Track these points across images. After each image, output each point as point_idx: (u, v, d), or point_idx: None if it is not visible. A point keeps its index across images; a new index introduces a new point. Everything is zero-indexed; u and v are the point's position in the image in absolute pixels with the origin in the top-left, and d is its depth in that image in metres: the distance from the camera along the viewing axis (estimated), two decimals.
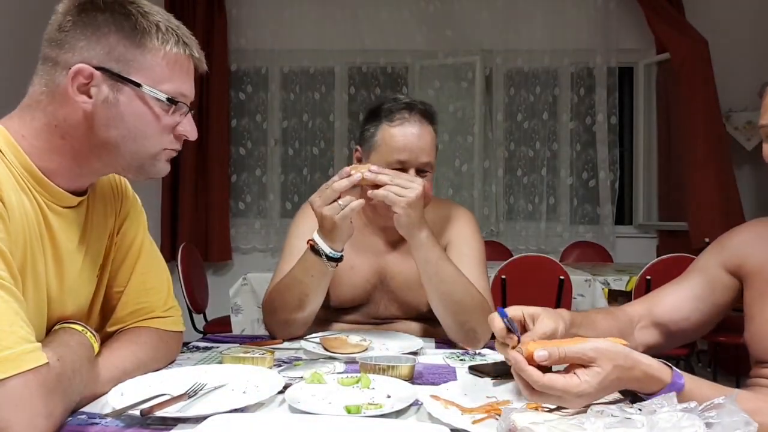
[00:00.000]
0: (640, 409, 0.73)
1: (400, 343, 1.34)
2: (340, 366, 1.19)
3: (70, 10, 0.90)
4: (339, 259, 1.31)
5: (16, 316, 0.79)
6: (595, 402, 0.80)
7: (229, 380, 1.03)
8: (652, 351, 1.17)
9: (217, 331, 2.55)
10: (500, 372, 1.10)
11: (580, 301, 2.91)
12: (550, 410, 0.84)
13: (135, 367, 1.04)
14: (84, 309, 1.05)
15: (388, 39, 4.46)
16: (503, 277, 2.85)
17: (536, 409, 0.86)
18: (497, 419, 0.84)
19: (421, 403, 0.94)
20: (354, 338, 1.32)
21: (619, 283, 2.96)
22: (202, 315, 3.49)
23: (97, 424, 0.87)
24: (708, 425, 0.70)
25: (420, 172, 1.40)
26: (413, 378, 1.10)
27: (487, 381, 1.08)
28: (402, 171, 1.37)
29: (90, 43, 0.89)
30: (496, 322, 0.95)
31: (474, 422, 0.87)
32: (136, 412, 0.85)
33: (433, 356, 1.30)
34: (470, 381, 1.09)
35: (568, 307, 2.79)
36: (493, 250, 3.73)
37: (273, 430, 0.82)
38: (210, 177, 4.39)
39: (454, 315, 1.37)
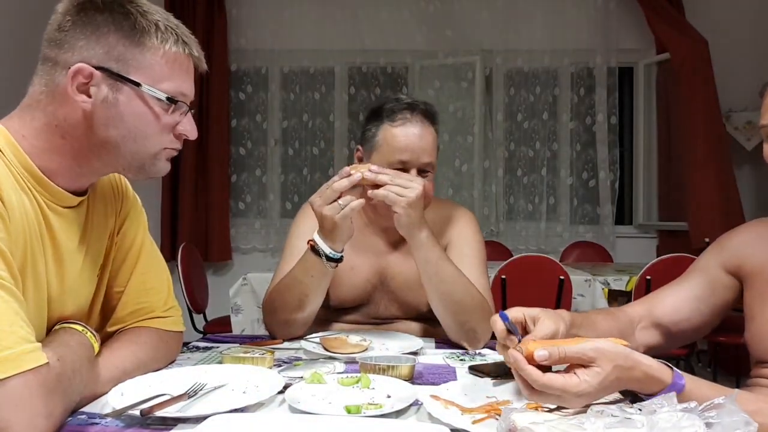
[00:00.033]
0: (640, 409, 0.73)
1: (400, 343, 1.34)
2: (340, 366, 1.19)
3: (69, 10, 0.90)
4: (339, 260, 1.31)
5: (16, 316, 0.79)
6: (595, 402, 0.80)
7: (229, 380, 1.03)
8: (652, 351, 1.17)
9: (217, 331, 2.54)
10: (500, 372, 1.10)
11: (580, 301, 2.91)
12: (550, 410, 0.84)
13: (135, 367, 1.04)
14: (84, 309, 1.05)
15: (388, 39, 4.46)
16: (503, 277, 2.85)
17: (536, 409, 0.86)
18: (497, 419, 0.84)
19: (421, 403, 0.94)
20: (354, 338, 1.32)
21: (619, 283, 2.96)
22: (202, 315, 3.49)
23: (97, 424, 0.87)
24: (708, 425, 0.70)
25: (421, 172, 1.40)
26: (413, 378, 1.10)
27: (487, 381, 1.08)
28: (403, 171, 1.37)
29: (89, 42, 0.89)
30: (498, 324, 0.95)
31: (474, 422, 0.87)
32: (136, 412, 0.85)
33: (433, 356, 1.30)
34: (470, 381, 1.09)
35: (568, 308, 2.79)
36: (493, 250, 3.73)
37: (273, 430, 0.82)
38: (210, 177, 4.39)
39: (454, 315, 1.37)
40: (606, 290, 2.91)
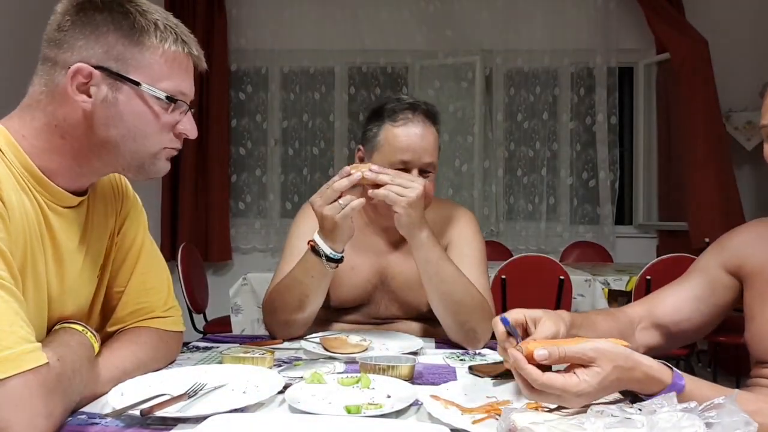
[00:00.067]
0: (640, 409, 0.73)
1: (400, 343, 1.34)
2: (340, 366, 1.19)
3: (68, 10, 0.90)
4: (339, 261, 1.31)
5: (16, 316, 0.79)
6: (595, 402, 0.80)
7: (229, 380, 1.03)
8: (653, 352, 1.17)
9: (217, 331, 2.55)
10: (500, 372, 1.09)
11: (580, 301, 2.91)
12: (550, 410, 0.84)
13: (135, 367, 1.04)
14: (84, 309, 1.05)
15: (388, 39, 4.46)
16: (503, 277, 2.85)
17: (536, 409, 0.86)
18: (497, 419, 0.84)
19: (421, 403, 0.94)
20: (354, 338, 1.32)
21: (619, 283, 2.96)
22: (202, 315, 3.49)
23: (97, 424, 0.87)
24: (708, 425, 0.70)
25: (423, 172, 1.40)
26: (413, 378, 1.10)
27: (487, 381, 1.08)
28: (405, 171, 1.37)
29: (88, 42, 0.89)
30: (499, 327, 0.95)
31: (474, 422, 0.87)
32: (136, 412, 0.85)
33: (433, 356, 1.30)
34: (470, 381, 1.09)
35: (568, 308, 2.79)
36: (493, 250, 3.73)
37: (273, 430, 0.82)
38: (210, 177, 4.39)
39: (454, 315, 1.37)
40: (606, 290, 2.91)
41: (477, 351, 1.37)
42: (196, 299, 3.37)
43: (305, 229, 1.46)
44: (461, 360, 1.28)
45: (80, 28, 0.89)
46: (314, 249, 1.30)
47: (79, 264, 1.00)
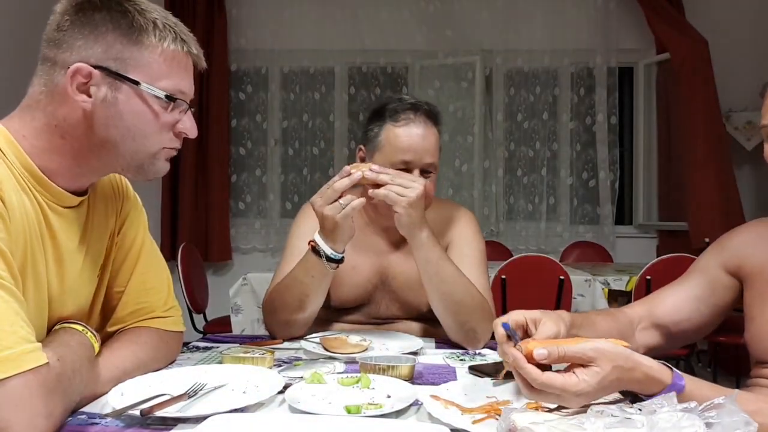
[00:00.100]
0: (640, 409, 0.73)
1: (400, 343, 1.34)
2: (340, 366, 1.19)
3: (67, 10, 0.90)
4: (340, 261, 1.31)
5: (16, 316, 0.79)
6: (595, 402, 0.80)
7: (229, 380, 1.03)
8: (653, 352, 1.17)
9: (217, 331, 2.54)
10: (500, 372, 1.09)
11: (580, 301, 2.91)
12: (550, 410, 0.84)
13: (135, 367, 1.04)
14: (84, 309, 1.05)
15: (388, 39, 4.46)
16: (503, 277, 2.85)
17: (536, 409, 0.86)
18: (497, 419, 0.84)
19: (421, 403, 0.94)
20: (354, 338, 1.32)
21: (619, 283, 2.96)
22: (202, 315, 3.49)
23: (97, 424, 0.87)
24: (708, 425, 0.70)
25: (424, 172, 1.40)
26: (413, 378, 1.10)
27: (487, 381, 1.08)
28: (406, 171, 1.37)
29: (88, 42, 0.89)
30: (499, 329, 0.95)
31: (474, 422, 0.87)
32: (136, 412, 0.85)
33: (433, 356, 1.30)
34: (470, 381, 1.09)
35: (568, 308, 2.79)
36: (493, 250, 3.73)
37: (273, 430, 0.82)
38: (210, 177, 4.39)
39: (454, 315, 1.37)
40: (606, 290, 2.91)
41: (477, 351, 1.37)
42: (196, 299, 3.37)
43: (306, 229, 1.46)
44: (461, 360, 1.28)
45: (79, 27, 0.89)
46: (315, 249, 1.30)
47: (80, 264, 1.00)
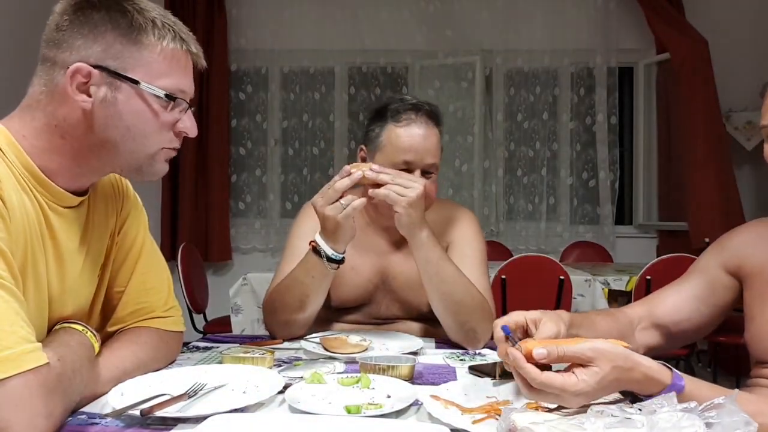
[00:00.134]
0: (640, 409, 0.73)
1: (400, 343, 1.34)
2: (340, 366, 1.19)
3: (66, 10, 0.90)
4: (340, 261, 1.31)
5: (16, 316, 0.79)
6: (595, 402, 0.80)
7: (229, 380, 1.03)
8: (653, 352, 1.17)
9: (217, 331, 2.54)
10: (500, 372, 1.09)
11: (580, 301, 2.91)
12: (550, 410, 0.84)
13: (135, 367, 1.04)
14: (84, 309, 1.05)
15: (388, 39, 4.46)
16: (503, 277, 2.85)
17: (536, 409, 0.86)
18: (497, 419, 0.84)
19: (421, 403, 0.94)
20: (354, 338, 1.32)
21: (619, 283, 2.96)
22: (202, 315, 3.49)
23: (97, 424, 0.87)
24: (708, 425, 0.70)
25: (425, 173, 1.40)
26: (413, 378, 1.10)
27: (487, 381, 1.08)
28: (407, 172, 1.37)
29: (87, 41, 0.89)
30: (497, 331, 0.95)
31: (474, 422, 0.87)
32: (136, 412, 0.85)
33: (433, 356, 1.30)
34: (470, 381, 1.09)
35: (568, 308, 2.79)
36: (493, 250, 3.73)
37: (273, 430, 0.82)
38: (210, 177, 4.39)
39: (454, 315, 1.37)
40: (606, 290, 2.91)
41: (477, 351, 1.37)
42: (196, 299, 3.37)
43: (306, 229, 1.46)
44: (461, 360, 1.28)
45: (78, 27, 0.89)
46: (315, 249, 1.30)
47: (80, 264, 1.00)
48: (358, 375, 1.06)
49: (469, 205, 3.69)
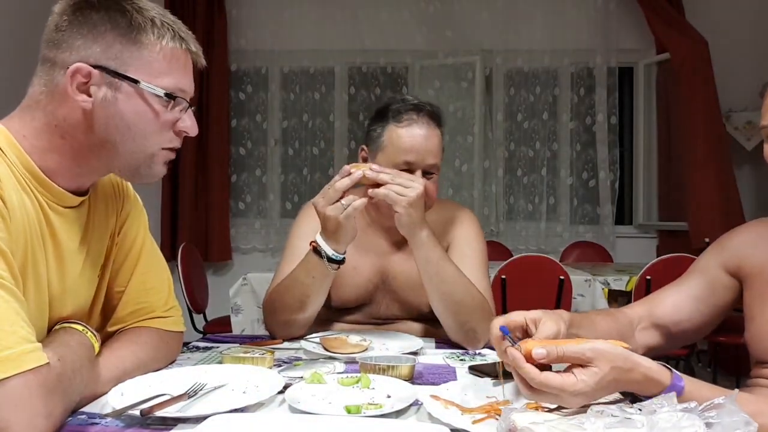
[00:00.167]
0: (640, 409, 0.73)
1: (400, 343, 1.34)
2: (340, 366, 1.19)
3: (65, 10, 0.90)
4: (341, 262, 1.31)
5: (16, 316, 0.79)
6: (595, 402, 0.80)
7: (229, 380, 1.03)
8: (653, 352, 1.17)
9: (217, 331, 2.54)
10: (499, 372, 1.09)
11: (580, 301, 2.91)
12: (550, 410, 0.84)
13: (135, 367, 1.04)
14: (84, 309, 1.05)
15: (388, 39, 4.46)
16: (503, 277, 2.85)
17: (536, 409, 0.86)
18: (497, 419, 0.84)
19: (421, 403, 0.94)
20: (354, 338, 1.32)
21: (619, 283, 2.96)
22: (202, 315, 3.49)
23: (97, 424, 0.87)
24: (708, 425, 0.70)
25: (426, 173, 1.40)
26: (413, 378, 1.10)
27: (487, 381, 1.08)
28: (408, 172, 1.37)
29: (86, 41, 0.89)
30: (494, 330, 0.95)
31: (474, 422, 0.87)
32: (136, 412, 0.85)
33: (433, 356, 1.30)
34: (470, 381, 1.09)
35: (568, 308, 2.79)
36: (493, 250, 3.73)
37: (273, 430, 0.82)
38: (210, 177, 4.39)
39: (454, 315, 1.37)
40: (606, 290, 2.91)
41: (477, 351, 1.37)
42: (196, 299, 3.37)
43: (307, 229, 1.46)
44: (461, 360, 1.28)
45: (78, 27, 0.89)
46: (316, 250, 1.30)
47: (80, 264, 1.00)
48: (358, 375, 1.06)
49: (469, 205, 3.68)
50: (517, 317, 0.96)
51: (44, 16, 0.94)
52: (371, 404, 0.95)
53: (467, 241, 1.51)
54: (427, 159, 1.40)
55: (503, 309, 2.72)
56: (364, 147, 1.49)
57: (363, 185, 1.32)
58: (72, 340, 0.92)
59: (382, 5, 4.46)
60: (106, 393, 0.94)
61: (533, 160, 4.52)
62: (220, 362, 1.16)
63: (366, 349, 1.28)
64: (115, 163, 0.96)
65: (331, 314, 1.54)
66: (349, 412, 0.90)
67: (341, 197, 1.25)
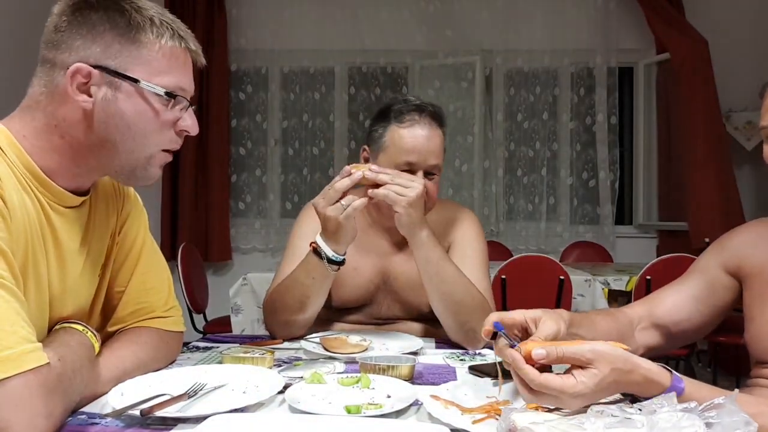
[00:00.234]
0: (640, 409, 0.73)
1: (400, 343, 1.34)
2: (340, 366, 1.19)
3: (64, 11, 0.90)
4: (341, 263, 1.31)
5: (17, 316, 0.79)
6: (594, 402, 0.80)
7: (229, 380, 1.03)
8: (652, 352, 1.17)
9: (217, 331, 2.55)
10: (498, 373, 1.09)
11: (580, 301, 2.91)
12: (550, 410, 0.84)
13: (135, 367, 1.04)
14: (84, 309, 1.05)
15: (388, 39, 4.46)
16: (503, 277, 2.85)
17: (536, 409, 0.86)
18: (497, 419, 0.84)
19: (421, 403, 0.94)
20: (354, 338, 1.32)
21: (619, 283, 2.96)
22: (202, 315, 3.49)
23: (97, 424, 0.87)
24: (708, 425, 0.70)
25: (427, 174, 1.40)
26: (413, 378, 1.10)
27: (487, 381, 1.08)
28: (410, 173, 1.37)
29: (86, 42, 0.89)
30: (486, 324, 0.95)
31: (474, 422, 0.87)
32: (136, 412, 0.85)
33: (433, 356, 1.30)
34: (470, 381, 1.09)
35: (568, 308, 2.79)
36: (493, 250, 3.72)
37: (273, 430, 0.82)
38: (210, 177, 4.39)
39: (454, 315, 1.37)
40: (606, 290, 2.91)
41: (477, 351, 1.37)
42: (196, 299, 3.37)
43: (307, 229, 1.46)
44: (461, 360, 1.28)
45: (77, 28, 0.89)
46: (316, 251, 1.30)
47: (81, 264, 1.00)
48: (358, 375, 1.06)
49: (469, 205, 3.68)
50: (517, 316, 0.96)
51: (44, 16, 0.94)
52: (371, 404, 0.94)
53: (468, 242, 1.51)
54: (428, 159, 1.40)
55: (503, 309, 2.71)
56: (366, 147, 1.49)
57: (363, 186, 1.32)
58: (72, 340, 0.92)
59: (382, 5, 4.46)
60: (106, 393, 0.94)
61: (533, 160, 4.52)
62: (220, 362, 1.16)
63: (366, 349, 1.28)
64: (114, 164, 0.95)
65: (332, 314, 1.54)
66: (349, 412, 0.90)
67: (341, 197, 1.25)
